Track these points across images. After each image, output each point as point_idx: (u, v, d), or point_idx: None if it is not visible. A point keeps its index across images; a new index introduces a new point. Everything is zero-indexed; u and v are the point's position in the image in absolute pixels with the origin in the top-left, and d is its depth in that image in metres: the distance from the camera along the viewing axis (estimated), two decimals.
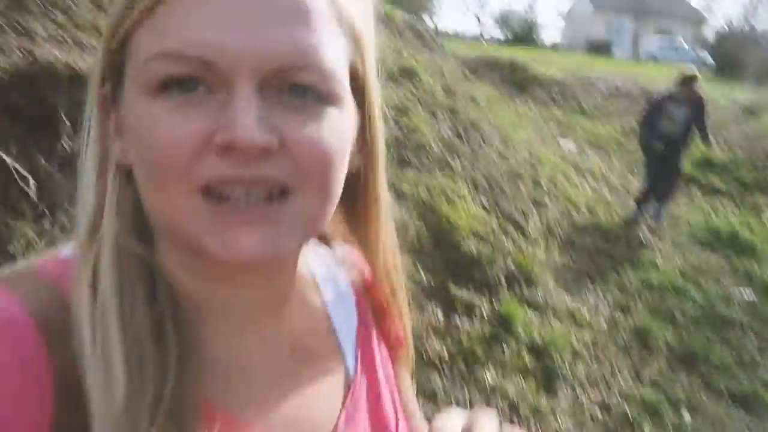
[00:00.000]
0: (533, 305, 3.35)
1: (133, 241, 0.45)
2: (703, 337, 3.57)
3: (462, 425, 0.46)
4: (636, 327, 3.57)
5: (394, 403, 0.60)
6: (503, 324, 3.08)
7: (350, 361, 0.57)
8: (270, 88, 0.40)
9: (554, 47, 34.41)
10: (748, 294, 4.20)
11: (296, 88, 0.40)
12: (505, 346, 2.97)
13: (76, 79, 2.24)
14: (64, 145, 2.22)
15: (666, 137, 5.11)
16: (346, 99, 0.44)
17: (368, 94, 0.48)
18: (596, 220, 5.10)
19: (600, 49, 26.58)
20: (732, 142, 7.72)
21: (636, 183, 6.66)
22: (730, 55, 17.58)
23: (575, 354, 3.18)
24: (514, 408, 2.66)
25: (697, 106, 5.14)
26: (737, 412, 2.99)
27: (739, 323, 3.80)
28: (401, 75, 5.08)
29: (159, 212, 0.43)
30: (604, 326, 3.54)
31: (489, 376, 2.77)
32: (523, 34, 32.35)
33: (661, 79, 13.41)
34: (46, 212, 2.13)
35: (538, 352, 3.05)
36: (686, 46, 29.97)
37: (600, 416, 2.83)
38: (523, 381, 2.83)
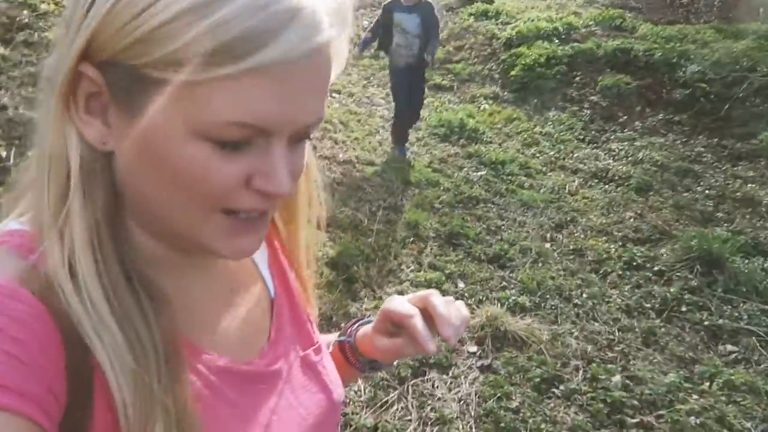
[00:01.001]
0: None
1: (104, 220, 0.50)
2: (458, 217, 4.24)
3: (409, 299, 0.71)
4: (407, 221, 4.09)
5: (307, 313, 0.74)
6: None
7: (269, 283, 0.70)
8: (292, 139, 0.51)
9: None
10: (482, 174, 5.03)
11: (305, 134, 0.53)
12: None
13: None
14: None
15: (404, 53, 4.90)
16: None
17: None
18: (350, 134, 5.48)
19: None
20: (443, 39, 8.72)
21: (373, 90, 7.23)
22: None
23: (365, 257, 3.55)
24: None
25: (427, 17, 4.83)
26: (494, 270, 3.71)
27: (482, 199, 4.58)
28: None
29: (167, 214, 0.51)
30: (381, 226, 3.98)
31: None
32: None
33: None
34: None
35: None
36: None
37: None
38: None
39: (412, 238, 3.91)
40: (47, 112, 0.49)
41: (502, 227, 4.24)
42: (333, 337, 0.84)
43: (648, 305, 3.46)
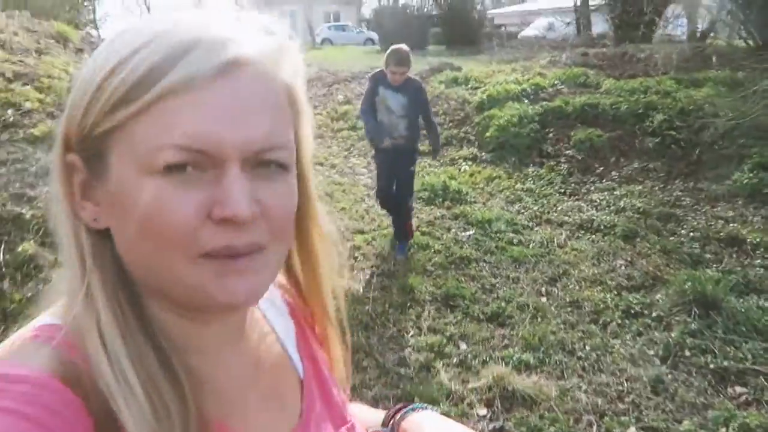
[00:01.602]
0: None
1: (123, 295, 0.52)
2: (452, 278, 4.24)
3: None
4: (402, 286, 4.07)
5: (338, 391, 0.72)
6: None
7: (298, 364, 0.69)
8: (247, 164, 0.50)
9: None
10: (470, 233, 5.08)
11: (264, 162, 0.51)
12: None
13: None
14: None
15: (388, 132, 4.43)
16: (293, 162, 0.55)
17: (303, 147, 0.59)
18: (336, 204, 5.53)
19: None
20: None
21: (355, 160, 7.36)
22: (388, 29, 20.08)
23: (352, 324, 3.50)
24: None
25: (416, 97, 4.40)
26: (494, 329, 3.68)
27: (473, 258, 4.60)
28: None
29: (157, 275, 0.51)
30: (376, 293, 3.95)
31: None
32: None
33: (344, 59, 14.81)
34: None
35: None
36: (354, 28, 33.23)
37: (401, 371, 3.20)
38: None
39: (409, 303, 3.88)
40: (57, 210, 0.54)
41: (497, 285, 4.23)
42: (371, 416, 0.81)
43: (652, 352, 3.44)
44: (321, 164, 7.01)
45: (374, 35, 26.74)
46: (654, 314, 3.81)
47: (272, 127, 0.51)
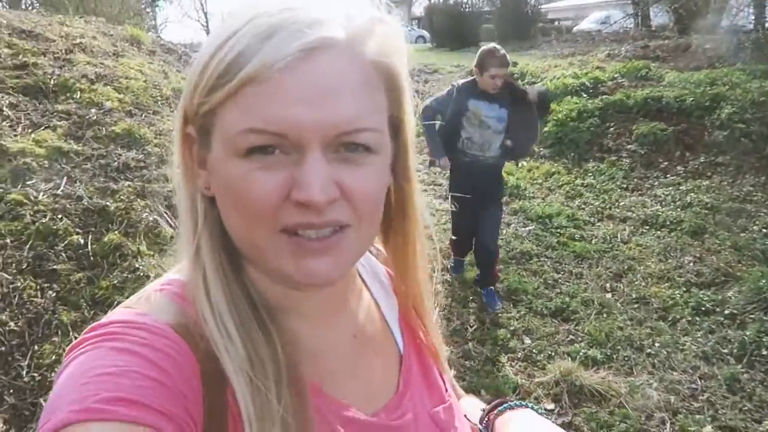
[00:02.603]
0: None
1: (225, 256, 0.57)
2: (514, 273, 4.21)
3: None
4: (465, 280, 4.07)
5: (439, 371, 0.73)
6: None
7: (399, 339, 0.70)
8: (331, 148, 0.51)
9: None
10: (530, 228, 5.03)
11: (350, 145, 0.52)
12: None
13: None
14: None
15: (476, 152, 3.63)
16: (386, 146, 0.56)
17: (403, 130, 0.60)
18: None
19: None
20: None
21: None
22: (440, 26, 19.97)
23: None
24: None
25: (519, 101, 3.63)
26: (559, 324, 3.64)
27: (534, 253, 4.55)
28: (177, 98, 4.88)
29: (247, 245, 0.55)
30: (439, 287, 3.97)
31: None
32: None
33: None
34: None
35: None
36: (405, 25, 33.18)
37: (465, 363, 3.22)
38: None
39: (471, 297, 3.89)
40: (177, 174, 0.58)
41: (560, 280, 4.18)
42: (470, 404, 0.80)
43: (725, 351, 3.33)
44: None
45: (425, 33, 26.67)
46: (726, 311, 3.69)
47: (357, 110, 0.50)
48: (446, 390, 0.72)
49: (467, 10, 21.16)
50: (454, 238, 3.96)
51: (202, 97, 0.52)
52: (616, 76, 8.30)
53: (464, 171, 3.65)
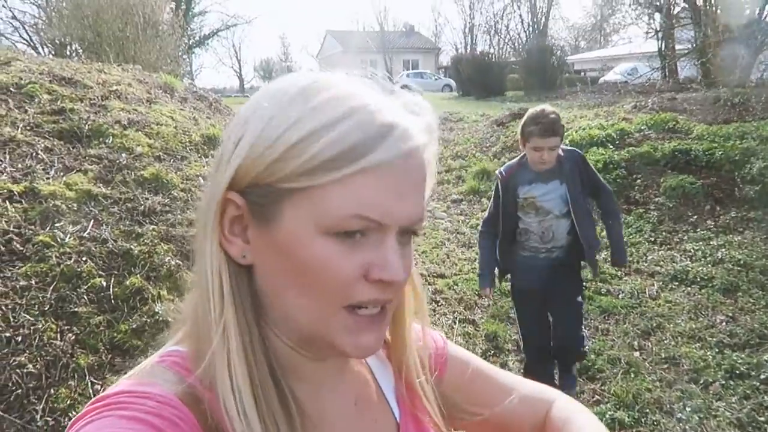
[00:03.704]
0: None
1: (255, 329, 0.58)
2: None
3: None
4: (485, 333, 3.97)
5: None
6: None
7: (394, 406, 0.71)
8: (398, 234, 0.57)
9: None
10: None
11: (409, 231, 0.58)
12: None
13: None
14: None
15: (539, 246, 2.98)
16: None
17: None
18: (416, 248, 5.54)
19: None
20: (497, 151, 8.98)
21: (434, 204, 7.38)
22: (466, 75, 20.31)
23: None
24: None
25: (576, 170, 2.92)
26: (584, 383, 3.51)
27: None
28: (205, 144, 4.99)
29: (304, 320, 0.57)
30: (459, 339, 3.88)
31: None
32: None
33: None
34: None
35: None
36: (432, 75, 33.91)
37: None
38: None
39: (492, 351, 3.79)
40: (204, 239, 0.58)
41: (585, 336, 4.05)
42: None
43: (762, 419, 3.15)
44: None
45: (451, 82, 27.14)
46: (762, 376, 3.51)
47: (422, 203, 0.58)
48: None
49: (493, 60, 21.51)
50: (522, 344, 3.36)
51: (292, 175, 0.53)
52: (642, 127, 8.26)
53: (523, 268, 3.04)
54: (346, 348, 0.56)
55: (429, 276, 4.82)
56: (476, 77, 19.81)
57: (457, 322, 4.10)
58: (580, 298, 3.12)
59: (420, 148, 0.56)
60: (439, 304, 4.36)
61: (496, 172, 3.15)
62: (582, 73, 25.04)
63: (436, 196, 7.63)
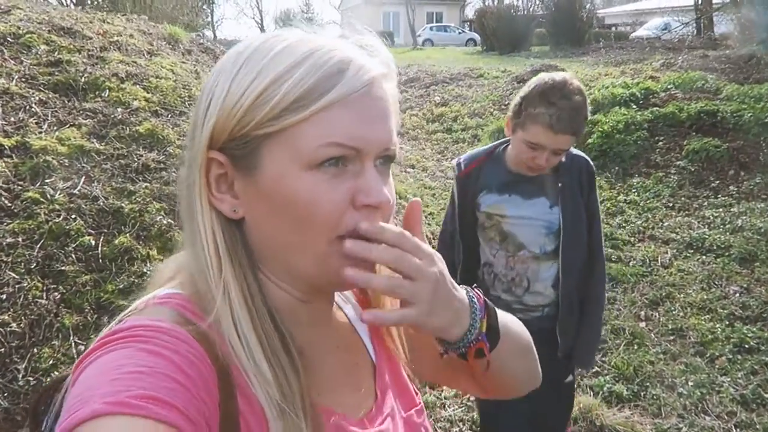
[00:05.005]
0: None
1: (252, 277, 0.61)
2: None
3: None
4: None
5: (407, 376, 0.78)
6: None
7: (370, 348, 0.75)
8: (376, 160, 0.61)
9: None
10: None
11: (385, 158, 0.63)
12: None
13: None
14: None
15: (512, 294, 1.92)
16: None
17: None
18: (424, 209, 5.43)
19: (383, 40, 27.95)
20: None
21: (447, 164, 7.21)
22: (491, 29, 19.62)
23: None
24: None
25: (577, 187, 1.91)
26: None
27: None
28: None
29: (297, 255, 0.61)
30: None
31: None
32: None
33: (444, 60, 14.67)
34: None
35: None
36: (456, 28, 32.95)
37: None
38: None
39: None
40: (193, 202, 0.62)
41: None
42: None
43: None
44: (413, 167, 6.95)
45: (476, 36, 26.35)
46: None
47: (393, 129, 0.63)
48: (416, 393, 0.78)
49: (519, 13, 20.72)
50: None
51: (263, 121, 0.57)
52: (669, 87, 7.89)
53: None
54: (347, 274, 0.57)
55: (434, 238, 4.71)
56: (501, 31, 19.13)
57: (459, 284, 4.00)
58: (570, 377, 2.04)
59: (378, 79, 0.61)
60: None
61: (453, 162, 2.06)
62: (613, 28, 24.06)
63: (450, 156, 7.44)
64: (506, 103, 9.08)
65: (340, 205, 0.58)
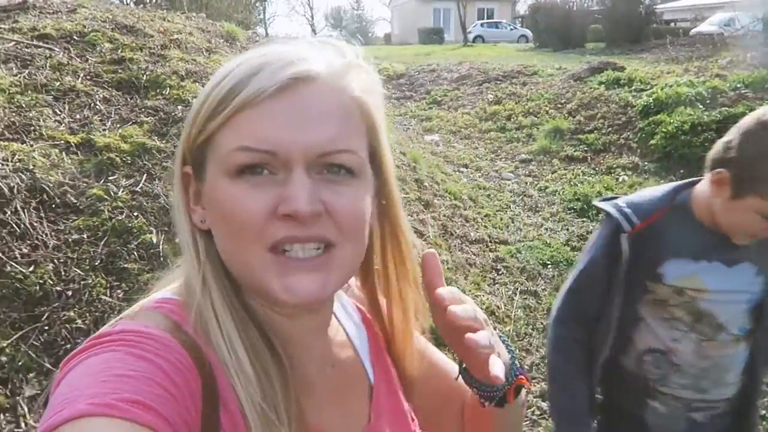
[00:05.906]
0: None
1: (230, 284, 0.61)
2: None
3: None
4: (548, 307, 3.75)
5: (403, 398, 0.76)
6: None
7: (369, 369, 0.73)
8: (314, 168, 0.57)
9: (386, 39, 35.31)
10: None
11: (332, 166, 0.58)
12: None
13: None
14: None
15: (676, 418, 1.45)
16: (366, 171, 0.61)
17: (383, 164, 0.65)
18: (480, 210, 5.30)
19: (433, 37, 27.82)
20: (572, 109, 8.43)
21: (501, 163, 7.04)
22: (545, 27, 19.20)
23: None
24: None
25: None
26: None
27: None
28: None
29: (237, 266, 0.59)
30: (519, 313, 3.68)
31: None
32: (358, 30, 33.03)
33: (496, 57, 14.40)
34: None
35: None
36: (507, 24, 32.45)
37: (543, 404, 2.91)
38: None
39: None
40: (178, 214, 0.64)
41: None
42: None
43: None
44: (466, 166, 6.81)
45: (528, 32, 25.84)
46: None
47: (338, 134, 0.57)
48: (413, 420, 0.75)
49: (574, 8, 20.18)
50: None
51: (199, 129, 0.58)
52: (738, 85, 7.49)
53: None
54: (276, 290, 0.56)
55: (490, 242, 4.58)
56: (555, 27, 18.68)
57: (517, 293, 3.87)
58: None
59: (316, 77, 0.57)
60: (500, 273, 4.13)
61: (608, 206, 1.46)
62: (673, 24, 23.19)
63: (504, 155, 7.27)
64: (562, 101, 8.82)
65: (257, 216, 0.55)
